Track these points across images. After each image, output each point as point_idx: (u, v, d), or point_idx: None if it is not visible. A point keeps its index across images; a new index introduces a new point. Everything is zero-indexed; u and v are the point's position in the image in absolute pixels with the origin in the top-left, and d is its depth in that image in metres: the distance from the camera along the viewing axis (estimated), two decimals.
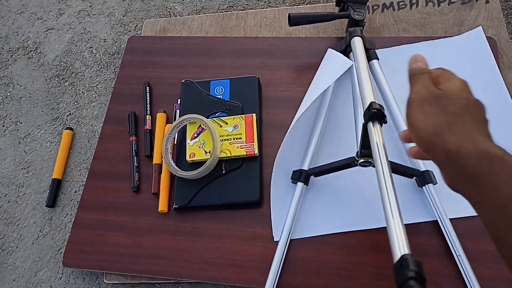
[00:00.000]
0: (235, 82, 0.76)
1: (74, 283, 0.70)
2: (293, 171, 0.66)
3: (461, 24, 0.76)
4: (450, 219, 0.59)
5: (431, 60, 0.73)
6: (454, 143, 0.33)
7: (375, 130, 0.47)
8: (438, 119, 0.35)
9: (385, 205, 0.39)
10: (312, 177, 0.66)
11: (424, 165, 0.62)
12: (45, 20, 0.98)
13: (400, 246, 0.34)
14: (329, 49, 0.73)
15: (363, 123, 0.50)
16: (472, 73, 0.70)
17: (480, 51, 0.71)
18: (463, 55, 0.72)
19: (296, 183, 0.65)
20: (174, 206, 0.68)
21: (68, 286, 0.70)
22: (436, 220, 0.60)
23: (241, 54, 0.81)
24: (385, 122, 0.49)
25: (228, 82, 0.76)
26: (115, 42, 0.92)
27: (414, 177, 0.62)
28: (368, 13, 0.80)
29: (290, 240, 0.63)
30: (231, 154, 0.68)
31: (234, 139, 0.69)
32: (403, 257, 0.32)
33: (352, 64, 0.67)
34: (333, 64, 0.70)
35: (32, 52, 0.94)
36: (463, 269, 0.56)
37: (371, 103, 0.49)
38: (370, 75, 0.61)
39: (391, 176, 0.42)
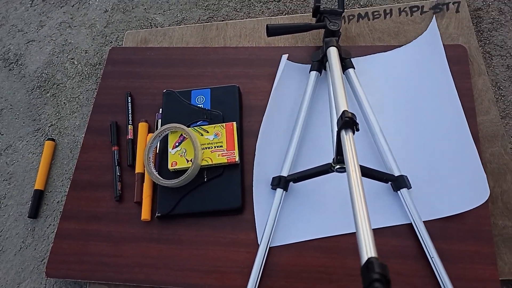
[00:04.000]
0: (215, 91, 0.77)
1: None
2: (273, 178, 0.68)
3: None
4: (423, 221, 0.61)
5: (401, 67, 0.75)
6: None
7: (347, 138, 0.49)
8: None
9: (355, 210, 0.40)
10: (291, 183, 0.67)
11: (399, 170, 0.64)
12: (26, 32, 0.98)
13: (367, 250, 0.35)
14: (282, 55, 0.79)
15: (337, 131, 0.52)
16: (430, 72, 0.73)
17: (435, 45, 0.74)
18: (425, 54, 0.75)
19: (275, 189, 0.67)
20: (156, 214, 0.69)
21: None
22: (411, 223, 0.62)
23: (222, 63, 0.82)
24: (357, 129, 0.51)
25: (209, 91, 0.77)
26: (97, 53, 0.93)
27: (390, 182, 0.64)
28: (344, 23, 0.82)
29: (271, 246, 0.64)
30: (212, 162, 0.70)
31: (215, 147, 0.71)
32: (369, 260, 0.34)
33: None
34: (280, 66, 0.79)
35: (13, 64, 0.95)
36: (436, 269, 0.58)
37: (343, 112, 0.51)
38: (344, 84, 0.63)
39: (361, 182, 0.44)
